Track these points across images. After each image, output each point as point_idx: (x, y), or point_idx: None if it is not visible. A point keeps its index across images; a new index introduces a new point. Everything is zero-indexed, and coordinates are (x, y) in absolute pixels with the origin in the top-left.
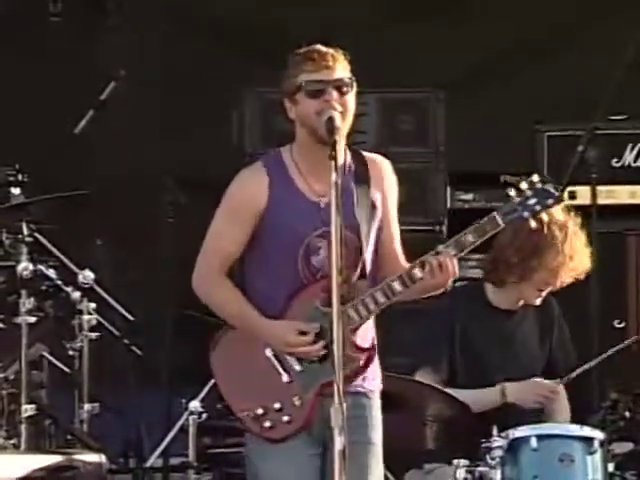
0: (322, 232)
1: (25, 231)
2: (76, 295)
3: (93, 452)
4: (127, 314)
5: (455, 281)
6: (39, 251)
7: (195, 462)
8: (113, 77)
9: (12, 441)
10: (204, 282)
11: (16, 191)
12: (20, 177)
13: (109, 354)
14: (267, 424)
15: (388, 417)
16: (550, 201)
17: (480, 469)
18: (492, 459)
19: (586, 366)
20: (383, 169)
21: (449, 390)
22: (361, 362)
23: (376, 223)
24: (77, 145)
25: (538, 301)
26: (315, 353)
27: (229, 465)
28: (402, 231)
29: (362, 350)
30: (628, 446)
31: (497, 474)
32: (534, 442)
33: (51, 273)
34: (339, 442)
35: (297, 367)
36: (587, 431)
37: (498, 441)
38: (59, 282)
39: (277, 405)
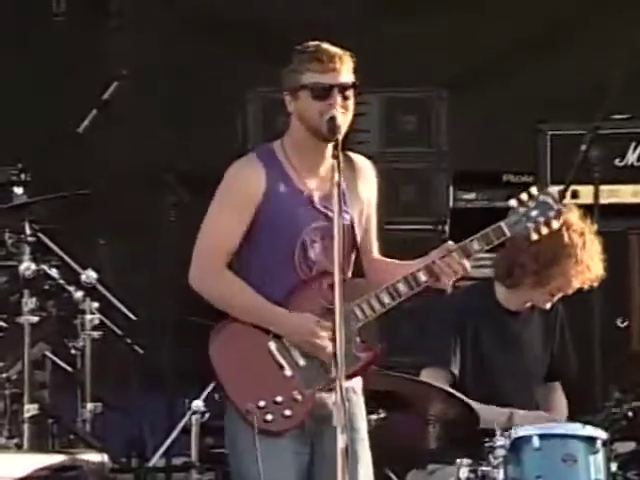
0: (317, 226)
1: (28, 231)
2: (79, 295)
3: (96, 452)
4: (130, 313)
5: (462, 280)
6: (42, 251)
7: (198, 462)
8: (116, 77)
9: (15, 441)
10: (206, 278)
11: (19, 191)
12: (23, 177)
13: (112, 354)
14: (268, 417)
15: (392, 416)
16: (551, 213)
17: (483, 468)
18: (495, 458)
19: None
20: (367, 169)
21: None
22: (365, 361)
23: (363, 219)
24: (80, 145)
25: (548, 305)
26: (326, 348)
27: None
28: (404, 230)
29: (366, 349)
30: (631, 446)
31: (500, 474)
32: (537, 442)
33: (54, 273)
34: (341, 440)
35: (301, 362)
36: (590, 431)
37: (501, 440)
38: (62, 282)
39: (279, 398)
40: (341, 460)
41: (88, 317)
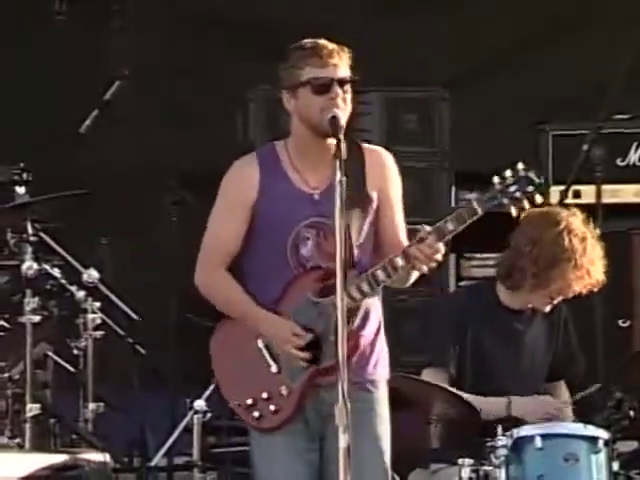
0: (311, 222)
1: (30, 230)
2: (81, 294)
3: (98, 451)
4: (132, 313)
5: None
6: (44, 250)
7: (199, 461)
8: (117, 77)
9: (17, 440)
10: (204, 278)
11: (21, 190)
12: (25, 176)
13: (113, 353)
14: (256, 414)
15: (393, 416)
16: (530, 188)
17: (485, 468)
18: (497, 458)
19: (593, 388)
20: (382, 160)
21: (455, 390)
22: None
23: (370, 216)
24: (81, 144)
25: (548, 308)
26: (300, 358)
27: (234, 464)
28: (407, 230)
29: (351, 335)
30: (633, 445)
31: (502, 473)
32: (539, 441)
33: (56, 272)
34: (343, 440)
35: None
36: (592, 430)
37: (503, 440)
38: (64, 281)
39: (265, 395)
40: (343, 460)
41: (90, 317)
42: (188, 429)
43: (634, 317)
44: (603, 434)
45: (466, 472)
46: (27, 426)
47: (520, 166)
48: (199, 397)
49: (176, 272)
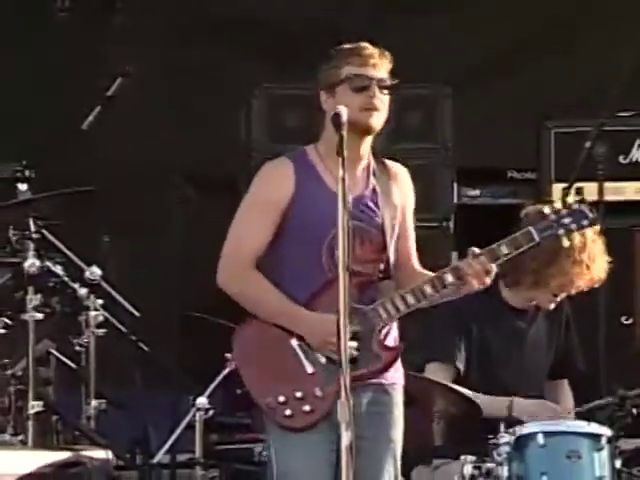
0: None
1: (32, 227)
2: (83, 291)
3: (100, 448)
4: (134, 310)
5: None
6: (46, 247)
7: (202, 458)
8: (120, 73)
9: (19, 437)
10: (232, 279)
11: (23, 187)
12: (27, 173)
13: (116, 350)
14: (287, 412)
15: None
16: (585, 222)
17: (487, 465)
18: (499, 455)
19: (601, 402)
20: (402, 176)
21: (457, 387)
22: (387, 360)
23: (397, 226)
24: (84, 141)
25: (552, 306)
26: (349, 349)
27: (236, 461)
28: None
29: (388, 349)
30: (635, 442)
31: (504, 470)
32: (541, 439)
33: (58, 269)
34: (346, 437)
35: (323, 360)
36: (594, 428)
37: (505, 437)
38: (66, 278)
39: (299, 394)
40: (345, 458)
41: (92, 314)
42: (191, 426)
43: (637, 314)
44: (606, 431)
45: (468, 469)
46: (30, 423)
47: (572, 199)
48: (201, 394)
49: (179, 269)
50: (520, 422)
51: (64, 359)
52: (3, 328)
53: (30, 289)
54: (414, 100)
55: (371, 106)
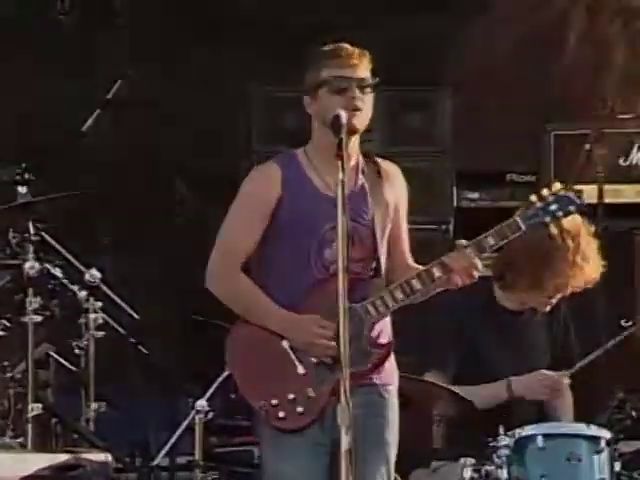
0: (335, 225)
1: (32, 230)
2: (82, 294)
3: (99, 451)
4: (133, 313)
5: None
6: (45, 250)
7: (202, 461)
8: (121, 76)
9: (19, 440)
10: (220, 280)
11: (23, 190)
12: (27, 176)
13: (115, 353)
14: (280, 414)
15: None
16: (572, 207)
17: (487, 468)
18: (499, 458)
19: (591, 356)
20: (394, 174)
21: (456, 388)
22: (377, 358)
23: (389, 224)
24: (84, 144)
25: (547, 308)
26: (327, 347)
27: (236, 464)
28: (409, 230)
29: (379, 346)
30: (635, 445)
31: (504, 473)
32: (541, 441)
33: (57, 272)
34: (345, 441)
35: (314, 360)
36: (594, 430)
37: (505, 440)
38: (65, 281)
39: (291, 396)
40: (344, 462)
41: (92, 316)
42: (190, 429)
43: (636, 317)
44: (605, 434)
45: (468, 472)
46: (29, 426)
47: (559, 186)
48: (201, 397)
49: (178, 272)
50: (520, 424)
51: (63, 362)
52: (2, 330)
53: (30, 291)
54: (413, 102)
55: (352, 107)
